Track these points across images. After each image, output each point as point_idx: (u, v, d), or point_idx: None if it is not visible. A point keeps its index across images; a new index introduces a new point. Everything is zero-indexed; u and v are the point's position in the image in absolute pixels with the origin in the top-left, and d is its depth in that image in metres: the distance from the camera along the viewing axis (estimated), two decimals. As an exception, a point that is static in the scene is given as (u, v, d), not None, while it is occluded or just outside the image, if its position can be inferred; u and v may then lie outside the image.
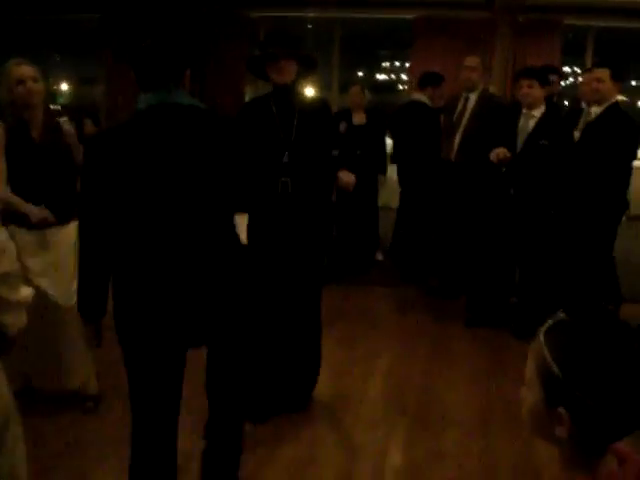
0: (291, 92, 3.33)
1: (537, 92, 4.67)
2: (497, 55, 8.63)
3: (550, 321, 1.21)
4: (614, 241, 5.02)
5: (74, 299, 3.42)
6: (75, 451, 3.23)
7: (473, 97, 5.35)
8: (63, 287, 3.37)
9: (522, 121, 4.77)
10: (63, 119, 3.52)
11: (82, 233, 2.26)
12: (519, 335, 4.73)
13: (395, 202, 7.00)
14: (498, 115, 5.09)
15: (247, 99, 10.46)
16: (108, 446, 3.23)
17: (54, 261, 3.37)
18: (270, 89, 3.37)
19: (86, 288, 2.30)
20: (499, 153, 4.63)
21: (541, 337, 1.19)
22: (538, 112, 4.71)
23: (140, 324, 2.25)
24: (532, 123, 4.72)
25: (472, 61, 5.39)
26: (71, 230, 3.40)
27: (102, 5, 10.25)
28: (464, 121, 5.32)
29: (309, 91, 10.96)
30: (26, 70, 3.23)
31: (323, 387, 3.88)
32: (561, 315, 1.21)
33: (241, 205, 2.40)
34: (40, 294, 3.31)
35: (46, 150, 3.31)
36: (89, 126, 6.80)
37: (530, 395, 1.21)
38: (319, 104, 3.47)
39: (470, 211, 5.28)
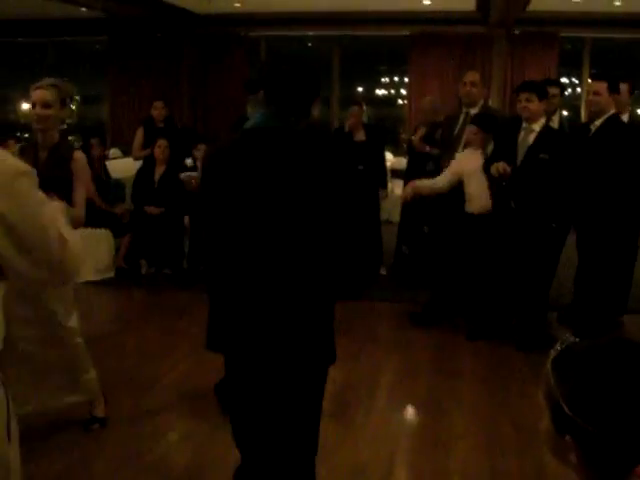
0: None
1: (536, 106, 4.70)
2: (494, 69, 8.69)
3: (559, 346, 1.22)
4: (636, 252, 5.08)
5: (72, 320, 3.42)
6: (77, 472, 3.24)
7: (474, 112, 5.39)
8: (65, 304, 3.38)
9: (522, 135, 4.79)
10: (76, 147, 3.57)
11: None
12: (521, 347, 4.76)
13: (396, 217, 7.04)
14: (499, 129, 5.12)
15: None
16: (110, 468, 3.26)
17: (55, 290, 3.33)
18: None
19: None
20: (499, 167, 4.66)
21: (549, 364, 1.21)
22: (538, 126, 4.74)
23: (232, 334, 2.27)
24: (532, 137, 4.74)
25: (472, 76, 5.45)
26: None
27: (110, 28, 10.38)
28: (465, 136, 5.36)
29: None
30: (39, 95, 3.29)
31: (326, 403, 3.89)
32: (571, 339, 1.22)
33: (346, 233, 2.32)
34: (45, 311, 3.33)
35: (45, 174, 3.31)
36: (96, 146, 6.86)
37: (544, 421, 1.22)
38: (322, 130, 3.61)
39: (472, 225, 5.31)
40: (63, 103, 3.33)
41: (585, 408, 1.13)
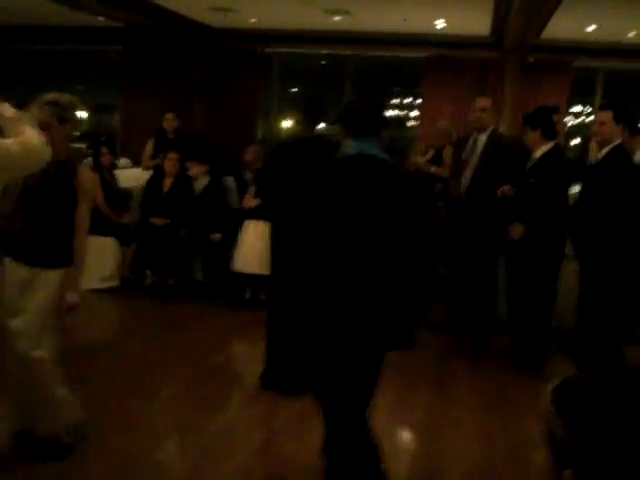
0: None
1: (529, 136, 5.00)
2: (506, 94, 8.72)
3: (560, 379, 1.20)
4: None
5: (41, 349, 3.14)
6: (76, 475, 3.22)
7: (483, 137, 5.41)
8: (32, 333, 3.14)
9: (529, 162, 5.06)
10: (85, 160, 3.44)
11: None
12: (523, 365, 4.93)
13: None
14: (507, 154, 5.25)
15: (259, 129, 10.65)
16: (109, 472, 3.26)
17: (31, 304, 3.16)
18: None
19: None
20: (502, 190, 4.98)
21: (548, 398, 1.18)
22: (538, 153, 4.96)
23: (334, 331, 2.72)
24: (531, 164, 5.01)
25: (483, 102, 5.47)
26: (55, 277, 3.19)
27: (125, 38, 10.47)
28: (474, 160, 5.38)
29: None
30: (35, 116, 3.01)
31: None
32: (573, 372, 1.20)
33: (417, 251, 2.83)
34: (9, 336, 3.13)
35: (50, 189, 3.18)
36: (106, 155, 6.88)
37: (543, 454, 1.19)
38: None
39: (478, 247, 5.34)
40: (62, 120, 3.13)
41: (588, 443, 1.10)
